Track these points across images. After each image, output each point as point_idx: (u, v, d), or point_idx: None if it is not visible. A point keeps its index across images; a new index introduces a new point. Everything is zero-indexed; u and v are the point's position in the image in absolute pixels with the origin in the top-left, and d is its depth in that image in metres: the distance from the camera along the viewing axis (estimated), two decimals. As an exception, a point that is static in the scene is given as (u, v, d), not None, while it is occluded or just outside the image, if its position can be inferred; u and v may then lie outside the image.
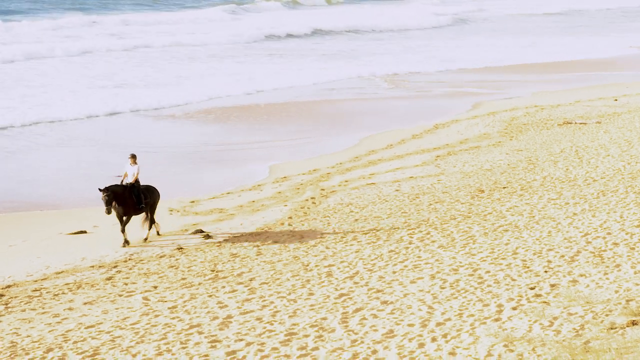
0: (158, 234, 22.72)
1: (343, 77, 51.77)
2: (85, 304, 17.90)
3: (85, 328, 16.51)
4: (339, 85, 49.29)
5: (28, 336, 16.25)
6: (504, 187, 26.01)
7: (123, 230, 21.86)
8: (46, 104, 40.67)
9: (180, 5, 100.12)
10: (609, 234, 20.33)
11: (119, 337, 15.98)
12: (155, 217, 22.71)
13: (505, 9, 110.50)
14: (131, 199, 21.98)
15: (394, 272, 18.79)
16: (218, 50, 65.31)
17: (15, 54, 56.87)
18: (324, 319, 16.31)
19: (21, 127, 36.30)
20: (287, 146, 33.46)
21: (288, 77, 50.89)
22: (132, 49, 63.57)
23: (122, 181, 22.31)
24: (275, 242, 21.76)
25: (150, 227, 22.50)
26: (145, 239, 22.27)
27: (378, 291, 17.65)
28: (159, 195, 22.96)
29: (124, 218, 21.92)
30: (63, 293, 18.61)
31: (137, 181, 22.35)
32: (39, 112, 38.69)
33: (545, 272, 18.06)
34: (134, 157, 22.47)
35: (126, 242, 21.76)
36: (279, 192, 26.77)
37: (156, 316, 16.97)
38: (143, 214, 22.39)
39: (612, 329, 14.45)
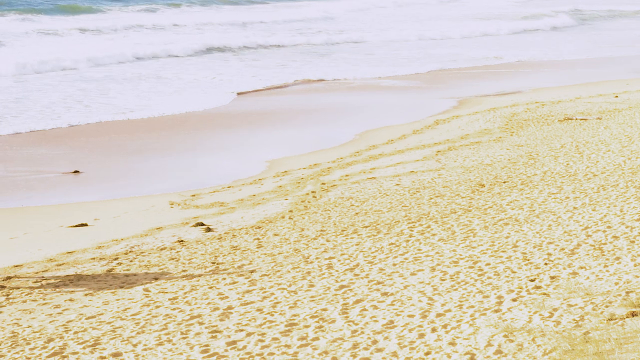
0: None
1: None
2: (86, 295, 17.96)
3: (86, 319, 16.57)
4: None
5: (29, 326, 16.30)
6: (505, 182, 26.04)
7: None
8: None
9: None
10: (609, 227, 20.36)
11: (120, 327, 16.04)
12: (156, 210, 22.73)
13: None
14: None
15: (394, 265, 18.83)
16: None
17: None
18: (325, 310, 16.35)
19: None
20: (286, 141, 33.48)
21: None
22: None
23: None
24: (276, 235, 21.79)
25: None
26: None
27: (378, 283, 17.69)
28: None
29: None
30: (64, 284, 18.66)
31: None
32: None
33: (546, 264, 18.10)
34: None
35: None
36: (280, 186, 26.80)
37: (157, 307, 17.02)
38: None
39: (611, 319, 14.49)
